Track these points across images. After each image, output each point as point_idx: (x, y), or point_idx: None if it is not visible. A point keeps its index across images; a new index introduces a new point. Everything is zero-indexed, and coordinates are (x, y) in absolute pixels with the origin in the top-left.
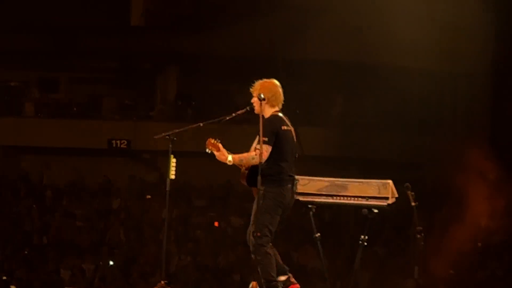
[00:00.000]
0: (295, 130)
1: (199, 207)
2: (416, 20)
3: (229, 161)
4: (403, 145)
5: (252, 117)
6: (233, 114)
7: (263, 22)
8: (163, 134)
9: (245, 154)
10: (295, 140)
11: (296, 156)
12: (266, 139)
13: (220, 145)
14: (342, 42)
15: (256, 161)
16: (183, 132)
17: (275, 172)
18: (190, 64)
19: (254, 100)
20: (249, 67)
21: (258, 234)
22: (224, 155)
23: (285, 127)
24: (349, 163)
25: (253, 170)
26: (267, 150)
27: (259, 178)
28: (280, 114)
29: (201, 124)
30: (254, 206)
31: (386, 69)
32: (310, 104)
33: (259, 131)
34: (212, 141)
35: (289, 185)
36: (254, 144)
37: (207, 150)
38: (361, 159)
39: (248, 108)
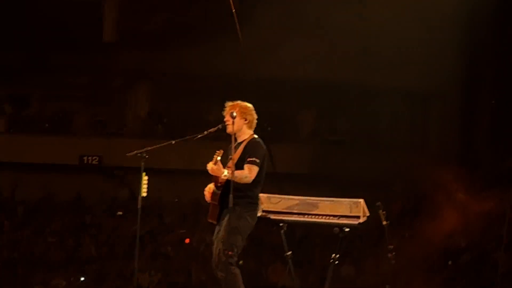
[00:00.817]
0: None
1: (170, 223)
2: (387, 40)
3: (225, 175)
4: (375, 164)
5: (224, 135)
6: (205, 132)
7: (234, 41)
8: (135, 151)
9: (239, 171)
10: None
11: None
12: (258, 160)
13: (217, 157)
14: (314, 61)
15: (247, 180)
16: (155, 149)
17: (254, 195)
18: (161, 81)
19: (228, 119)
20: (220, 85)
21: (230, 253)
22: (220, 169)
23: (265, 147)
24: (321, 181)
25: (225, 189)
26: (255, 170)
27: (231, 196)
28: (258, 138)
29: (173, 142)
30: (225, 224)
31: (358, 88)
32: (281, 122)
33: (231, 149)
34: (218, 151)
35: (258, 209)
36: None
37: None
38: (332, 177)
39: (220, 126)
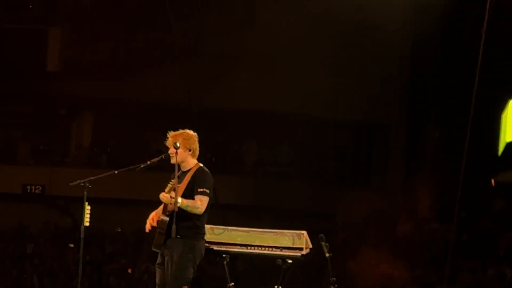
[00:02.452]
0: None
1: (112, 253)
2: (331, 71)
3: (179, 203)
4: (318, 195)
5: (168, 165)
6: (148, 162)
7: (179, 70)
8: (78, 181)
9: (192, 201)
10: None
11: None
12: (208, 191)
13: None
14: (257, 91)
15: (198, 211)
16: (98, 179)
17: (202, 225)
18: (105, 111)
19: (172, 150)
20: (164, 115)
21: (185, 287)
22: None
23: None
24: (264, 213)
25: (171, 219)
26: (206, 201)
27: (174, 227)
28: (204, 167)
29: (116, 172)
30: (176, 257)
31: (301, 119)
32: (224, 152)
33: (174, 178)
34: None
35: (205, 238)
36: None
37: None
38: (275, 208)
39: (163, 156)
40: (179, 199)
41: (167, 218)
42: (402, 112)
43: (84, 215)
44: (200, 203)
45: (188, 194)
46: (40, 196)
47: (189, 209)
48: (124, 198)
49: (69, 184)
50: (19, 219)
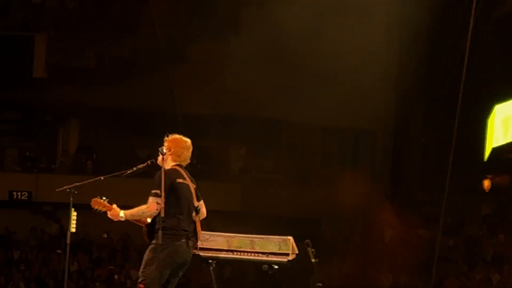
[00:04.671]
0: (196, 186)
1: (98, 259)
2: (318, 76)
3: (121, 217)
4: (304, 201)
5: (154, 171)
6: (134, 168)
7: (164, 77)
8: (65, 187)
9: (136, 209)
10: (193, 195)
11: (194, 213)
12: (156, 191)
13: (107, 204)
14: (243, 97)
15: (148, 214)
16: (84, 185)
17: (169, 226)
18: (91, 117)
19: (160, 157)
20: (150, 121)
21: (141, 285)
22: (116, 212)
23: (181, 180)
24: (250, 219)
25: (151, 225)
26: (154, 202)
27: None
28: (178, 168)
29: (102, 178)
30: (144, 257)
31: (287, 124)
32: (210, 158)
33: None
34: (99, 200)
35: (183, 240)
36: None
37: (94, 209)
38: (261, 214)
39: (149, 162)
40: (121, 213)
41: (146, 228)
42: (388, 117)
43: (70, 222)
44: (145, 206)
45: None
46: (26, 202)
47: (136, 217)
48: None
49: (56, 190)
50: (6, 225)
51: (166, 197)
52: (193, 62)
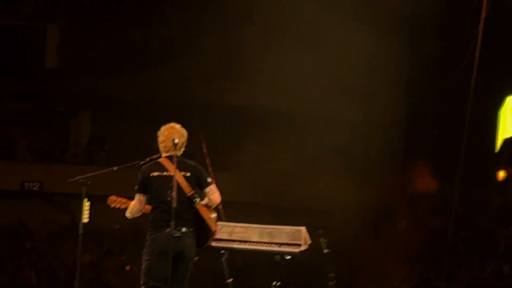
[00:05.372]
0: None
1: (111, 250)
2: (329, 69)
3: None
4: (316, 192)
5: None
6: (147, 159)
7: (177, 67)
8: (77, 177)
9: (129, 206)
10: (182, 184)
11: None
12: (135, 187)
13: (125, 200)
14: (257, 89)
15: (135, 211)
16: (97, 176)
17: (151, 220)
18: (103, 107)
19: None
20: (163, 111)
21: (141, 282)
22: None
23: (156, 173)
24: (263, 209)
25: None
26: (135, 198)
27: None
28: (162, 160)
29: (115, 168)
30: None
31: (299, 116)
32: (224, 149)
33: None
34: (115, 198)
35: (165, 230)
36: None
37: (112, 206)
38: (274, 205)
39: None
40: (127, 214)
41: None
42: (400, 109)
43: (83, 212)
44: (132, 203)
45: None
46: (38, 193)
47: (134, 212)
48: (123, 195)
49: (68, 180)
50: (18, 215)
51: (148, 192)
52: (207, 52)
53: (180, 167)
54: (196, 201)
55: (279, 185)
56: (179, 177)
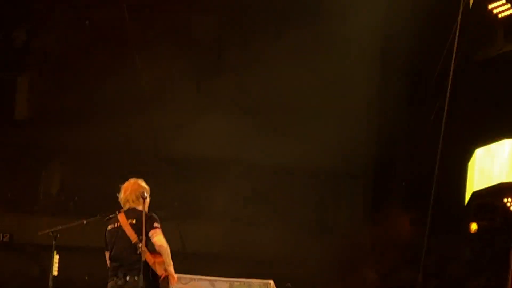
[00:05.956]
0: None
1: None
2: (298, 118)
3: None
4: (285, 243)
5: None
6: (117, 212)
7: (148, 119)
8: (47, 230)
9: None
10: (128, 232)
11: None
12: None
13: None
14: (225, 140)
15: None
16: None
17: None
18: (73, 158)
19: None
20: (132, 162)
21: None
22: None
23: (110, 227)
24: (231, 261)
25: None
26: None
27: None
28: (119, 214)
29: (85, 222)
30: None
31: (268, 168)
32: (193, 200)
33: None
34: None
35: (113, 280)
36: None
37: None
38: (243, 256)
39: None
40: None
41: None
42: (369, 160)
43: (52, 265)
44: None
45: None
46: (8, 244)
47: None
48: (93, 246)
49: (39, 233)
50: None
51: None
52: (176, 104)
53: (128, 215)
54: (139, 247)
55: (248, 235)
56: (125, 225)
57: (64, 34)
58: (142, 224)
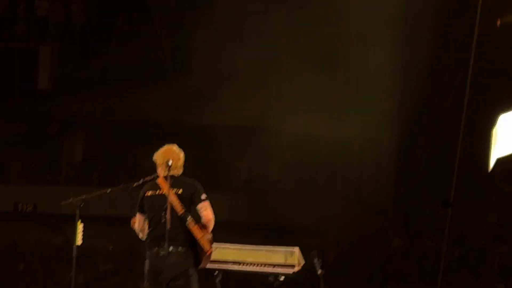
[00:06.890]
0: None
1: (105, 271)
2: (321, 89)
3: None
4: (309, 212)
5: None
6: (141, 181)
7: (169, 87)
8: (70, 199)
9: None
10: (174, 203)
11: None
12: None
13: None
14: (248, 108)
15: (137, 232)
16: (90, 198)
17: (147, 238)
18: (96, 128)
19: None
20: (155, 132)
21: None
22: None
23: (150, 193)
24: (256, 230)
25: None
26: (136, 218)
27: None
28: (159, 180)
29: (108, 191)
30: None
31: (292, 136)
32: (216, 169)
33: None
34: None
35: (154, 250)
36: None
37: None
38: (267, 225)
39: (155, 175)
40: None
41: None
42: (393, 128)
43: (76, 234)
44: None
45: None
46: (31, 214)
47: (136, 232)
48: (116, 216)
49: (62, 203)
50: (11, 237)
51: (144, 211)
52: (197, 73)
53: (174, 184)
54: (187, 220)
55: (271, 204)
56: (171, 195)
57: (86, 3)
58: (191, 196)
